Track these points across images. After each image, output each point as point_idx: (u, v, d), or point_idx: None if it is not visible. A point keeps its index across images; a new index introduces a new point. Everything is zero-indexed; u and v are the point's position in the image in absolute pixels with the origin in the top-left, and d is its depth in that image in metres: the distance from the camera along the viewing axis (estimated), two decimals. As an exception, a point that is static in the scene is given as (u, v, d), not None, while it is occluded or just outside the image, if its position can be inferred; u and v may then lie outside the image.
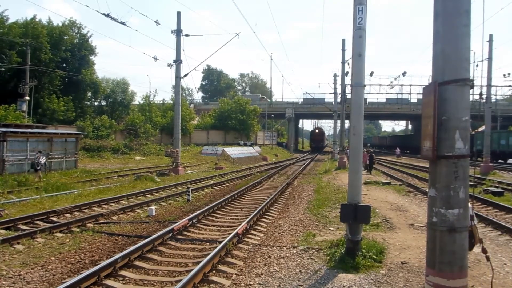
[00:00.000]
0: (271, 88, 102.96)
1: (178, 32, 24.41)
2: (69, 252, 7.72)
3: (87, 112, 46.01)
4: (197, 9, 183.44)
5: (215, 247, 7.50)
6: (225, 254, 7.43)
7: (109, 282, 6.06)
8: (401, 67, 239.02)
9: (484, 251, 4.73)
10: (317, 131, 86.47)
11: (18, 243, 8.21)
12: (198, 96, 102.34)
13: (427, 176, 5.11)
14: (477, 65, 26.69)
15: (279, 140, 77.37)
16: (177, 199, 14.77)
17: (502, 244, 8.80)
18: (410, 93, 58.58)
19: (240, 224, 9.49)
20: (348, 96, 30.03)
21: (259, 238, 9.04)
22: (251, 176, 24.87)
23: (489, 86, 28.06)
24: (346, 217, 7.21)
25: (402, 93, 53.47)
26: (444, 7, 3.81)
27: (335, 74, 41.17)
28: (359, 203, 7.35)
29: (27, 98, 34.30)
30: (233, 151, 43.69)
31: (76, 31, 46.11)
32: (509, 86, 35.66)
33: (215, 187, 18.83)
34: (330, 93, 46.85)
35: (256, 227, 10.10)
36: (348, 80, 29.61)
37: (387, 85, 44.91)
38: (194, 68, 44.90)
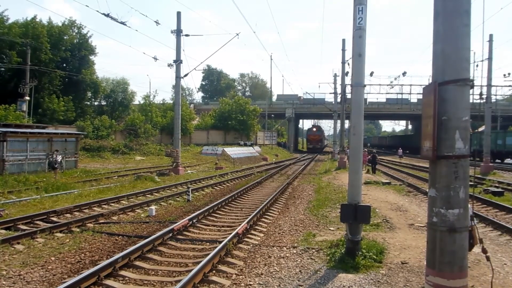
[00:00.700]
0: (271, 88, 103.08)
1: (178, 32, 24.42)
2: (69, 252, 7.72)
3: (87, 112, 46.00)
4: (197, 9, 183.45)
5: (215, 247, 7.50)
6: (225, 254, 7.43)
7: (109, 282, 6.06)
8: (401, 67, 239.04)
9: (484, 251, 4.74)
10: (314, 129, 76.40)
11: (18, 243, 8.21)
12: (198, 96, 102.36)
13: (427, 176, 5.11)
14: (477, 65, 26.68)
15: (279, 140, 77.06)
16: (177, 199, 14.78)
17: (502, 244, 8.80)
18: (410, 93, 58.49)
19: (240, 224, 9.49)
20: (348, 96, 30.04)
21: (259, 238, 9.04)
22: (251, 176, 24.87)
23: (489, 86, 28.07)
24: (346, 217, 7.21)
25: (402, 93, 53.44)
26: (444, 7, 3.82)
27: (335, 74, 41.21)
28: (359, 203, 7.35)
29: (27, 98, 34.31)
30: (233, 151, 43.69)
31: (76, 31, 46.11)
32: (509, 86, 35.64)
33: (215, 187, 18.83)
34: (330, 93, 46.88)
35: (256, 227, 10.10)
36: (348, 80, 29.63)
37: (387, 85, 44.89)
38: (194, 68, 44.92)
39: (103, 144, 37.77)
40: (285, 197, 15.70)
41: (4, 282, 6.07)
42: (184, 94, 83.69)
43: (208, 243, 8.51)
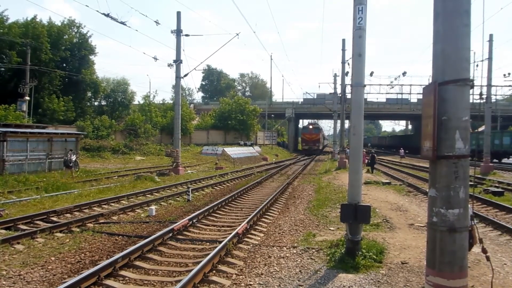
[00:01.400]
0: (271, 88, 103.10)
1: (178, 32, 24.42)
2: (69, 252, 7.72)
3: (87, 112, 46.01)
4: (197, 9, 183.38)
5: (215, 247, 7.50)
6: (225, 254, 7.42)
7: (109, 282, 6.06)
8: (401, 67, 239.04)
9: (484, 251, 4.73)
10: (310, 127, 64.65)
11: (18, 243, 8.20)
12: (198, 96, 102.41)
13: (427, 176, 5.11)
14: (477, 65, 26.70)
15: (279, 140, 76.77)
16: (177, 199, 14.78)
17: (502, 244, 8.80)
18: (410, 93, 58.54)
19: (240, 224, 9.49)
20: (348, 96, 30.05)
21: (259, 238, 9.04)
22: (251, 176, 24.87)
23: (489, 86, 28.08)
24: (346, 217, 7.21)
25: (402, 93, 53.42)
26: (444, 7, 3.82)
27: (335, 74, 41.20)
28: (359, 203, 7.35)
29: (27, 98, 34.32)
30: (233, 151, 43.69)
31: (76, 30, 46.09)
32: (509, 86, 35.62)
33: (215, 187, 18.83)
34: (330, 93, 46.78)
35: (256, 227, 10.11)
36: (348, 80, 29.64)
37: (387, 85, 44.87)
38: (194, 68, 44.92)
39: (103, 144, 37.77)
40: (285, 197, 15.70)
41: (4, 282, 6.07)
42: (184, 94, 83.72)
43: (208, 243, 8.51)
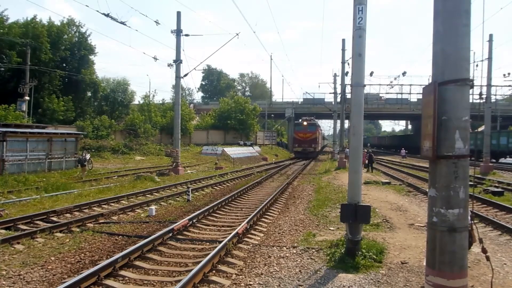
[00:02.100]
0: (271, 88, 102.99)
1: (178, 32, 24.41)
2: (69, 252, 7.72)
3: (87, 112, 45.99)
4: (197, 9, 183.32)
5: (215, 247, 7.50)
6: (225, 254, 7.43)
7: (109, 282, 6.06)
8: (401, 67, 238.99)
9: (484, 251, 4.73)
10: (305, 123, 49.54)
11: (18, 243, 8.21)
12: (198, 96, 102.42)
13: (427, 176, 5.11)
14: (477, 65, 26.71)
15: (279, 140, 76.65)
16: (177, 199, 14.78)
17: (502, 244, 8.81)
18: (410, 93, 58.47)
19: (240, 224, 9.50)
20: (348, 96, 30.05)
21: (259, 238, 9.04)
22: (251, 176, 24.87)
23: (489, 86, 28.09)
24: (346, 217, 7.21)
25: (402, 93, 53.41)
26: (444, 7, 3.82)
27: (335, 74, 41.18)
28: (359, 203, 7.36)
29: (27, 98, 34.29)
30: (233, 151, 43.69)
31: (75, 29, 46.05)
32: (509, 86, 35.64)
33: (215, 187, 18.82)
34: (330, 93, 46.77)
35: (256, 227, 10.11)
36: (348, 80, 29.64)
37: (387, 85, 44.84)
38: (194, 68, 44.96)
39: (103, 144, 37.75)
40: (285, 197, 15.70)
41: (4, 282, 6.07)
42: (184, 94, 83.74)
43: (208, 243, 8.51)
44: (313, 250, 7.86)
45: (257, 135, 62.46)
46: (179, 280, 5.84)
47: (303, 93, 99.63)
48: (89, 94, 48.76)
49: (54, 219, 10.69)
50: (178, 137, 25.53)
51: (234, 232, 8.51)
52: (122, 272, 6.49)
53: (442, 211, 3.78)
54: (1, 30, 36.79)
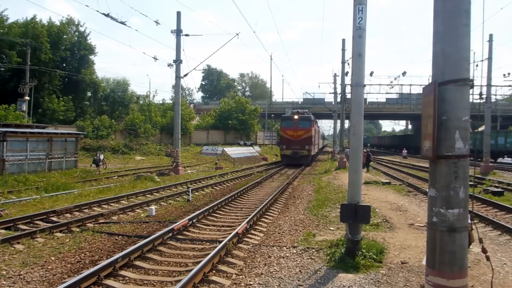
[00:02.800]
0: (271, 88, 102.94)
1: (178, 32, 24.41)
2: (69, 252, 7.72)
3: (87, 112, 45.98)
4: (197, 9, 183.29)
5: (215, 247, 7.50)
6: (225, 254, 7.43)
7: (109, 282, 6.06)
8: (401, 67, 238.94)
9: (484, 251, 4.73)
10: (296, 117, 35.72)
11: (18, 243, 8.21)
12: (198, 96, 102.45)
13: (427, 176, 5.11)
14: (477, 65, 26.71)
15: (279, 139, 76.40)
16: (177, 199, 14.78)
17: (502, 244, 8.81)
18: (410, 93, 58.47)
19: (240, 224, 9.50)
20: (348, 96, 30.05)
21: (259, 238, 9.04)
22: (251, 176, 24.87)
23: (489, 86, 28.09)
24: (346, 217, 7.21)
25: (402, 93, 53.38)
26: (444, 7, 3.82)
27: (335, 74, 41.18)
28: (359, 203, 7.35)
29: (27, 98, 34.29)
30: (233, 151, 43.69)
31: (74, 29, 46.02)
32: (509, 86, 35.63)
33: (215, 187, 18.82)
34: (330, 93, 46.77)
35: (256, 227, 10.11)
36: (348, 80, 29.64)
37: (387, 85, 44.82)
38: (194, 68, 44.93)
39: (103, 144, 37.75)
40: (285, 197, 15.70)
41: (4, 282, 6.07)
42: (184, 94, 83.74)
43: (208, 243, 8.51)
44: (313, 250, 7.86)
45: (257, 135, 62.47)
46: (179, 280, 5.84)
47: (303, 93, 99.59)
48: (89, 94, 48.76)
49: (54, 219, 10.69)
50: (178, 137, 25.53)
51: (234, 232, 8.51)
52: (122, 272, 6.49)
53: (442, 211, 3.78)
54: (1, 30, 36.78)
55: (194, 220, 10.39)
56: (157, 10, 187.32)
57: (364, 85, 8.03)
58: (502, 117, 50.48)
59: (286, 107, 68.30)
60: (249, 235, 9.14)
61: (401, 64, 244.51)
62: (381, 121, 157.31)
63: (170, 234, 8.75)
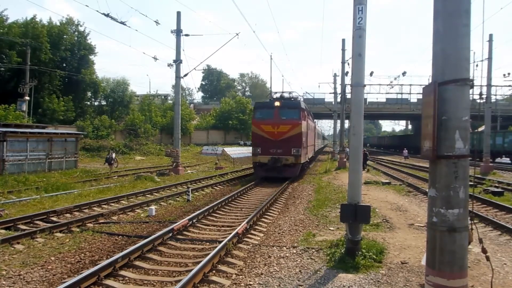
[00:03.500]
0: (271, 88, 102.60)
1: (178, 32, 24.41)
2: (69, 252, 7.72)
3: (87, 112, 46.00)
4: (197, 9, 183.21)
5: (215, 247, 7.50)
6: (225, 254, 7.43)
7: (109, 282, 6.06)
8: (401, 67, 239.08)
9: (484, 251, 4.73)
10: (276, 104, 20.96)
11: (18, 243, 8.21)
12: (198, 96, 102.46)
13: (427, 176, 5.11)
14: (477, 65, 26.66)
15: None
16: (177, 199, 14.77)
17: (502, 244, 8.80)
18: (410, 93, 58.44)
19: (240, 224, 9.50)
20: (348, 96, 30.05)
21: (259, 238, 9.04)
22: (251, 176, 24.85)
23: (489, 86, 28.10)
24: (346, 217, 7.21)
25: (402, 93, 53.39)
26: (444, 7, 3.82)
27: (335, 74, 41.14)
28: (359, 203, 7.35)
29: (27, 98, 34.31)
30: (233, 151, 43.69)
31: (74, 28, 46.02)
32: (509, 86, 35.66)
33: (215, 187, 18.82)
34: (330, 93, 46.74)
35: (256, 227, 10.10)
36: (348, 80, 29.64)
37: (387, 85, 44.85)
38: (194, 68, 44.94)
39: (103, 144, 37.78)
40: (285, 197, 15.69)
41: (4, 282, 6.07)
42: (184, 94, 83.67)
43: (208, 243, 8.51)
44: (313, 250, 7.86)
45: (257, 135, 62.34)
46: (179, 280, 5.84)
47: (303, 93, 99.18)
48: (89, 94, 48.78)
49: (54, 219, 10.69)
50: (178, 137, 25.53)
51: (234, 232, 8.51)
52: (122, 272, 6.49)
53: (442, 211, 3.78)
54: (1, 30, 36.80)
55: (194, 220, 10.39)
56: (157, 10, 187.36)
57: (364, 85, 8.03)
58: (502, 117, 50.47)
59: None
60: (249, 235, 9.14)
61: (401, 64, 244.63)
62: (381, 121, 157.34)
63: (170, 234, 8.75)
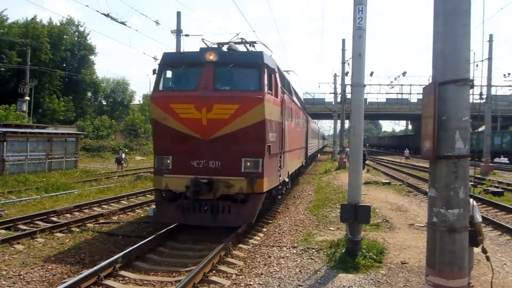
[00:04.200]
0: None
1: (178, 32, 24.35)
2: (69, 252, 7.72)
3: (87, 112, 46.02)
4: (197, 9, 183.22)
5: (215, 247, 7.49)
6: (225, 254, 7.42)
7: (109, 282, 6.05)
8: (401, 67, 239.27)
9: (484, 251, 4.74)
10: (210, 58, 8.32)
11: (18, 243, 8.20)
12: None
13: (427, 176, 5.11)
14: (477, 65, 26.64)
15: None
16: (177, 199, 14.74)
17: (502, 244, 8.80)
18: (410, 93, 58.43)
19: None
20: (348, 96, 30.04)
21: (259, 238, 9.03)
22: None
23: (489, 86, 28.09)
24: (346, 217, 7.21)
25: (402, 93, 53.40)
26: (444, 7, 3.81)
27: (335, 74, 41.09)
28: (359, 203, 7.35)
29: (27, 98, 34.32)
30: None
31: (74, 29, 46.03)
32: (509, 86, 35.66)
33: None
34: (330, 93, 46.77)
35: (256, 227, 10.09)
36: (348, 80, 29.63)
37: (387, 85, 44.93)
38: (194, 68, 44.77)
39: (103, 144, 37.81)
40: (285, 197, 15.67)
41: (4, 282, 6.07)
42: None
43: (208, 243, 8.49)
44: (313, 250, 7.86)
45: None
46: (179, 280, 5.84)
47: (303, 93, 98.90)
48: (89, 94, 48.80)
49: (54, 219, 10.68)
50: (178, 137, 25.49)
51: (234, 232, 8.49)
52: (122, 272, 6.48)
53: (442, 211, 3.77)
54: (1, 30, 36.84)
55: (194, 220, 10.33)
56: (157, 10, 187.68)
57: (364, 85, 8.03)
58: (502, 117, 50.43)
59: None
60: (249, 235, 9.13)
61: (401, 64, 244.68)
62: (381, 121, 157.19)
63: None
